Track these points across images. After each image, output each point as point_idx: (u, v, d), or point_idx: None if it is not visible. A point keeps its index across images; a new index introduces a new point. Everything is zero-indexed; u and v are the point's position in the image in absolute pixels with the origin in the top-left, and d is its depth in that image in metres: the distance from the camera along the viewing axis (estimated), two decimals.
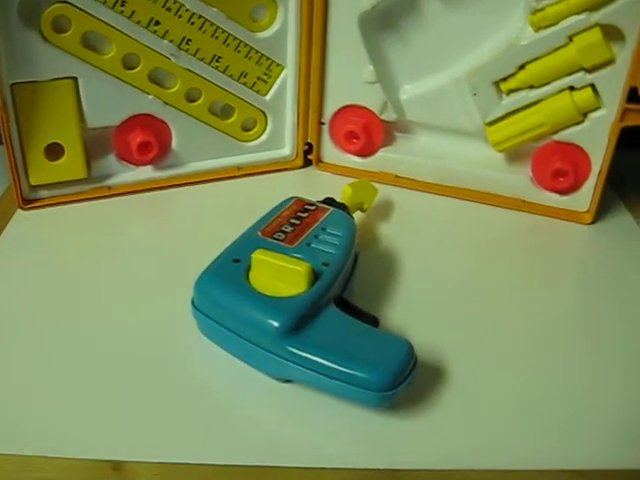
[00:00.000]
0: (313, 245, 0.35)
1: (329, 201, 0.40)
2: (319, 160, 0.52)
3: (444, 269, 0.42)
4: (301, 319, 0.30)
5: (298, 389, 0.32)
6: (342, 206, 0.40)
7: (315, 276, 0.32)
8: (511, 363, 0.35)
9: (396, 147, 0.50)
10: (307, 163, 0.52)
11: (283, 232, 0.35)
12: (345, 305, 0.33)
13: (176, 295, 0.34)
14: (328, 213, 0.38)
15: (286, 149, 0.51)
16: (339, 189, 0.43)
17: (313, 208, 0.38)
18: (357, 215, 0.42)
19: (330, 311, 0.32)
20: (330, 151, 0.51)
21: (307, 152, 0.52)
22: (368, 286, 0.39)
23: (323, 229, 0.36)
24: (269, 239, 0.35)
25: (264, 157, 0.51)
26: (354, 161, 0.51)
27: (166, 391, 0.32)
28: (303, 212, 0.38)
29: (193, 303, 0.33)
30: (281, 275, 0.31)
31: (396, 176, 0.50)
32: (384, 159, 0.50)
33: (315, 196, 0.40)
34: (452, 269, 0.42)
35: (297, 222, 0.36)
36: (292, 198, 0.39)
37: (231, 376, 0.33)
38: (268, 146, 0.51)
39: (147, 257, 0.42)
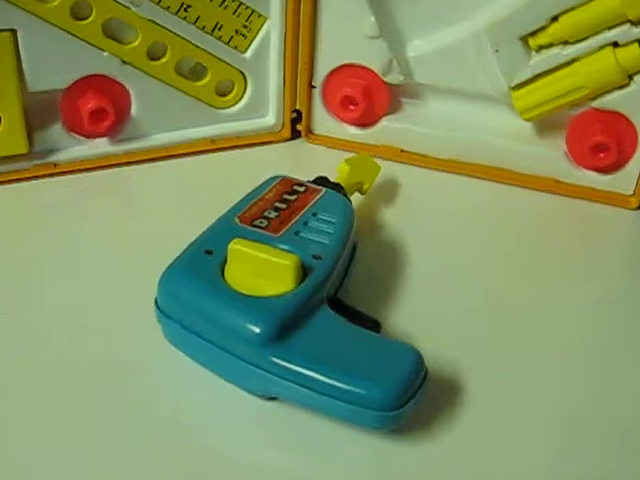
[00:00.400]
0: (302, 234, 0.35)
1: (322, 181, 0.40)
2: (310, 131, 0.52)
3: (460, 263, 0.42)
4: (288, 323, 0.30)
5: (285, 409, 0.32)
6: (337, 187, 0.40)
7: (304, 271, 0.32)
8: (543, 375, 0.35)
9: (402, 115, 0.50)
10: (295, 135, 0.52)
11: (266, 218, 0.35)
12: (341, 306, 0.33)
13: (137, 295, 0.34)
14: (320, 195, 0.38)
15: (270, 118, 0.51)
16: (334, 166, 0.43)
17: (302, 189, 0.38)
18: (355, 198, 0.42)
19: (323, 314, 0.31)
20: (323, 120, 0.51)
21: (295, 121, 0.51)
22: (368, 283, 0.39)
23: (314, 215, 0.36)
24: (249, 227, 0.35)
25: (243, 127, 0.51)
26: (352, 132, 0.51)
27: (121, 417, 0.31)
28: (290, 194, 0.37)
29: (157, 304, 0.33)
30: (263, 270, 0.31)
31: (402, 151, 0.50)
32: (388, 130, 0.50)
33: (305, 175, 0.40)
34: (469, 263, 0.42)
35: (283, 206, 0.36)
36: (277, 177, 0.39)
37: (204, 395, 0.32)
38: (248, 114, 0.51)
39: (102, 249, 0.41)
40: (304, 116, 0.51)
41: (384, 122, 0.50)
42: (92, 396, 0.32)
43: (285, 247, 0.33)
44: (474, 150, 0.48)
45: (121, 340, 0.35)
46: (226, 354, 0.31)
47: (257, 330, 0.29)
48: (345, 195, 0.40)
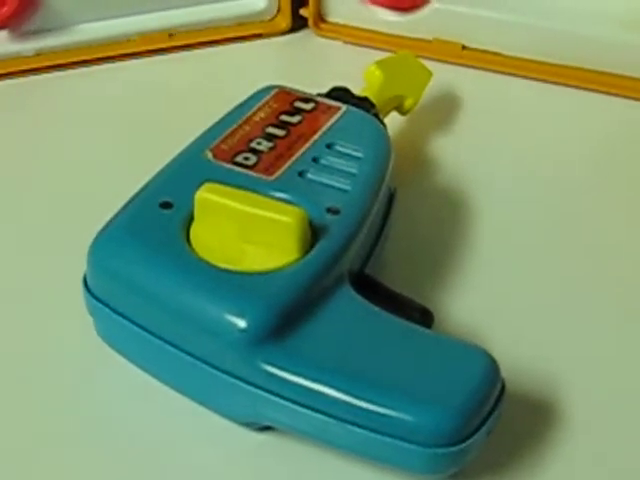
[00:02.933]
0: (310, 176, 0.34)
1: (340, 94, 0.40)
2: (321, 18, 0.52)
3: (545, 221, 0.42)
4: (288, 314, 0.30)
5: (283, 443, 0.31)
6: (364, 103, 0.40)
7: (314, 233, 0.32)
8: None
9: None
10: (299, 24, 0.52)
11: (253, 152, 0.35)
12: (370, 287, 0.32)
13: (62, 269, 0.34)
14: (338, 116, 0.37)
15: None
16: (358, 73, 0.43)
17: (309, 107, 0.38)
18: (392, 120, 0.42)
19: (342, 298, 0.31)
20: (341, 1, 0.51)
21: (298, 4, 0.52)
22: (412, 252, 0.39)
23: (329, 146, 0.36)
24: (227, 165, 0.35)
25: (217, 13, 0.51)
26: (386, 20, 0.51)
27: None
28: (291, 114, 0.37)
29: (85, 285, 0.33)
30: (249, 232, 0.31)
31: (464, 47, 0.50)
32: (442, 16, 0.50)
33: (313, 87, 0.40)
34: (558, 221, 0.42)
35: (280, 133, 0.36)
36: (270, 89, 0.39)
37: (160, 424, 0.32)
38: None
39: (13, 197, 0.42)
40: None
41: (435, 4, 0.50)
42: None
43: (283, 196, 0.33)
44: (572, 47, 0.48)
45: (30, 337, 0.35)
46: (194, 361, 0.30)
47: (241, 324, 0.29)
48: (376, 116, 0.40)
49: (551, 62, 0.49)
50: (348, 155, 0.35)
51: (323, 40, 0.52)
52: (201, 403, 0.32)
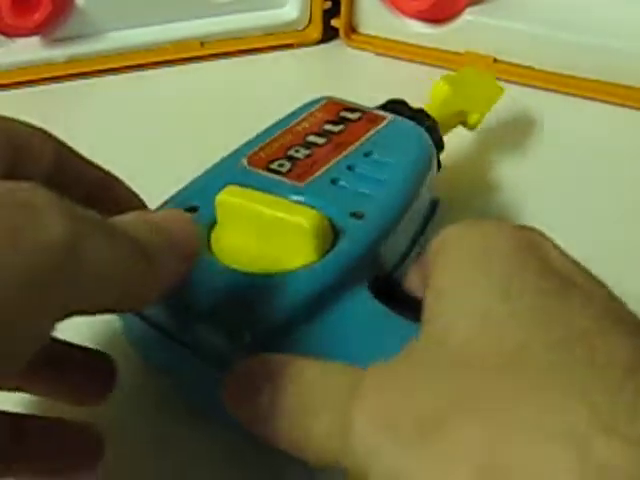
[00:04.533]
0: (342, 183, 0.34)
1: (395, 106, 0.39)
2: (352, 30, 0.52)
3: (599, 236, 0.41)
4: (303, 315, 0.29)
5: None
6: (418, 114, 0.39)
7: (336, 236, 0.31)
8: None
9: (496, 6, 0.50)
10: (330, 35, 0.52)
11: (289, 159, 0.35)
12: (396, 295, 0.31)
13: None
14: (382, 125, 0.37)
15: (289, 8, 0.52)
16: (388, 84, 0.44)
17: (355, 117, 0.37)
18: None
19: (357, 301, 0.30)
20: (373, 12, 0.51)
21: (329, 14, 0.52)
22: None
23: (367, 154, 0.35)
24: (261, 172, 0.34)
25: (248, 23, 0.51)
26: (417, 32, 0.51)
27: None
28: (335, 124, 0.37)
29: None
30: (268, 233, 0.31)
31: (495, 60, 0.50)
32: (474, 28, 0.50)
33: (344, 97, 0.40)
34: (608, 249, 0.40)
35: (320, 142, 0.36)
36: (319, 100, 0.39)
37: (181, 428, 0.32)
38: (256, 3, 0.51)
39: None
40: (343, 5, 0.51)
41: (467, 16, 0.50)
42: None
43: (305, 199, 0.32)
44: (600, 60, 0.48)
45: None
46: (209, 368, 0.29)
47: (247, 334, 0.29)
48: (431, 128, 0.39)
49: (584, 77, 0.49)
50: (382, 163, 0.35)
51: (354, 51, 0.52)
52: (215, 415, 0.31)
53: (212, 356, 0.29)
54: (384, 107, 0.39)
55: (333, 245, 0.31)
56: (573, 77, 0.49)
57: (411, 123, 0.38)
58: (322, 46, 0.52)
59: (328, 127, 0.37)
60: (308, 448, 0.23)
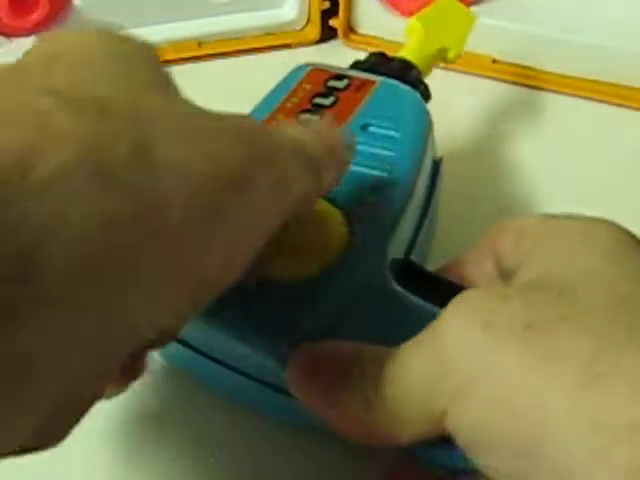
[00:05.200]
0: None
1: (377, 62, 0.39)
2: (350, 30, 0.52)
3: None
4: (329, 322, 0.28)
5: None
6: (403, 68, 0.39)
7: (350, 228, 0.30)
8: None
9: (496, 6, 0.50)
10: (328, 35, 0.52)
11: None
12: (422, 278, 0.30)
13: None
14: (372, 93, 0.36)
15: (288, 8, 0.52)
16: None
17: (343, 85, 0.37)
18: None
19: (381, 292, 0.29)
20: (371, 12, 0.51)
21: (328, 14, 0.52)
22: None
23: (364, 128, 0.34)
24: None
25: (249, 23, 0.51)
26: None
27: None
28: (324, 95, 0.36)
29: None
30: (287, 241, 0.29)
31: (494, 61, 0.50)
32: (473, 29, 0.49)
33: None
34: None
35: (313, 119, 0.34)
36: (304, 67, 0.38)
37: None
38: (254, 3, 0.51)
39: None
40: (342, 5, 0.50)
41: None
42: None
43: None
44: (598, 60, 0.48)
45: None
46: (245, 379, 0.30)
47: (268, 346, 0.28)
48: (416, 81, 0.38)
49: (582, 77, 0.49)
50: (384, 137, 0.34)
51: (352, 51, 0.52)
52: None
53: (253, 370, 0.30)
54: (366, 61, 0.39)
55: (350, 237, 0.30)
56: (572, 77, 0.49)
57: (401, 85, 0.37)
58: (320, 46, 0.52)
59: (318, 100, 0.36)
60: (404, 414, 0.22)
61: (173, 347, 0.31)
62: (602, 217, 0.24)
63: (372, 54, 0.39)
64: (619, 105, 0.49)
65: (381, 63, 0.38)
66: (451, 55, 0.42)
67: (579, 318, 0.20)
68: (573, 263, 0.22)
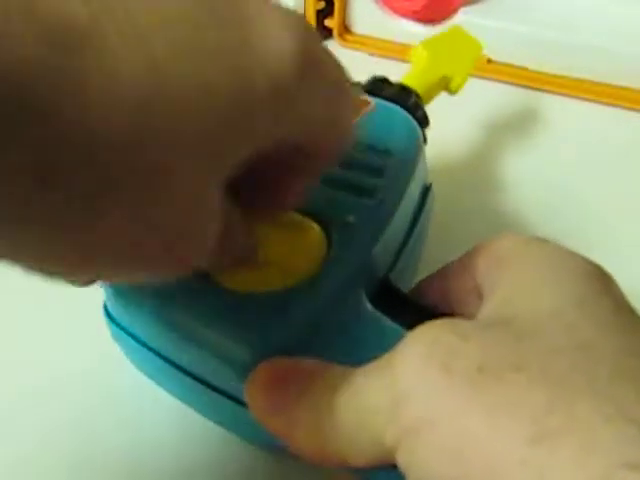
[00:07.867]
0: (332, 184, 0.32)
1: (378, 84, 0.39)
2: (346, 30, 0.52)
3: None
4: (299, 337, 0.28)
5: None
6: (402, 95, 0.38)
7: (328, 241, 0.30)
8: None
9: (490, 6, 0.50)
10: (324, 36, 0.52)
11: None
12: (395, 300, 0.30)
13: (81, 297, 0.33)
14: (364, 114, 0.36)
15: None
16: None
17: None
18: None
19: (355, 313, 0.29)
20: (367, 12, 0.51)
21: (323, 15, 0.52)
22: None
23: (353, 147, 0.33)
24: None
25: None
26: (411, 32, 0.51)
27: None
28: None
29: (106, 309, 0.32)
30: (265, 251, 0.29)
31: (489, 61, 0.50)
32: (467, 28, 0.48)
33: None
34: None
35: None
36: None
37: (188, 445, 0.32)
38: None
39: None
40: (337, 5, 0.51)
41: (461, 15, 0.50)
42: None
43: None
44: (593, 61, 0.48)
45: (68, 359, 0.35)
46: (211, 391, 0.29)
47: (241, 353, 0.27)
48: (415, 107, 0.38)
49: (577, 77, 0.49)
50: (369, 160, 0.33)
51: (348, 51, 0.52)
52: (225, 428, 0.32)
53: (216, 379, 0.29)
54: (367, 85, 0.38)
55: (327, 253, 0.30)
56: (566, 77, 0.49)
57: (395, 108, 0.37)
58: None
59: None
60: (360, 441, 0.22)
61: (142, 353, 0.31)
62: (582, 254, 0.24)
63: (374, 78, 0.39)
64: (614, 105, 0.49)
65: (381, 88, 0.38)
66: (454, 85, 0.42)
67: (535, 366, 0.19)
68: (539, 300, 0.22)
